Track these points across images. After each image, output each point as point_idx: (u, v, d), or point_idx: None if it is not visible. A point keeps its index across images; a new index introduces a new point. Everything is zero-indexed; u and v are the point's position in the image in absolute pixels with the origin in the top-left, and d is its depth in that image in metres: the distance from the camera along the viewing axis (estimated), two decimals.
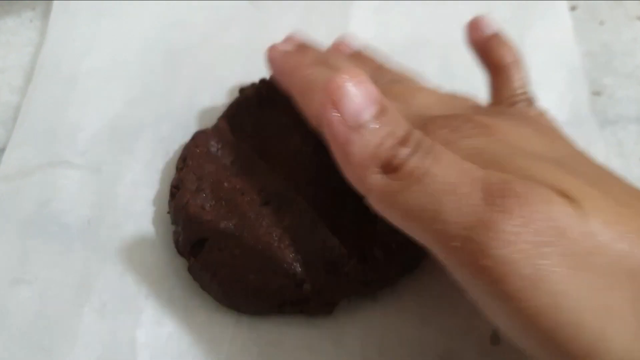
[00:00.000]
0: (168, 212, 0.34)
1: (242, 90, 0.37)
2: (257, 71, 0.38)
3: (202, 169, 0.34)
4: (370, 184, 0.22)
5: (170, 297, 0.32)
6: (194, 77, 0.41)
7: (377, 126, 0.22)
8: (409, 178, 0.21)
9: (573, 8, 0.45)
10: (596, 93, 0.41)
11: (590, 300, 0.19)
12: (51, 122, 0.38)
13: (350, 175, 0.23)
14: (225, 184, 0.33)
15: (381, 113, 0.22)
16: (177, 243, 0.33)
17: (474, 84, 0.40)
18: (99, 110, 0.39)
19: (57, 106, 0.39)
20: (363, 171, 0.22)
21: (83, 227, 0.34)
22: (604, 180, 0.24)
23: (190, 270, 0.32)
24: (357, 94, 0.22)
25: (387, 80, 0.34)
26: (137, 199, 0.36)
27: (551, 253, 0.19)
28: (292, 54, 0.34)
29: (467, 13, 0.44)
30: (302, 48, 0.36)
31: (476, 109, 0.30)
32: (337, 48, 0.38)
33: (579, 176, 0.22)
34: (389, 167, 0.22)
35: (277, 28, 0.43)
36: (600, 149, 0.38)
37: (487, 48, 0.34)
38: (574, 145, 0.28)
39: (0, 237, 0.34)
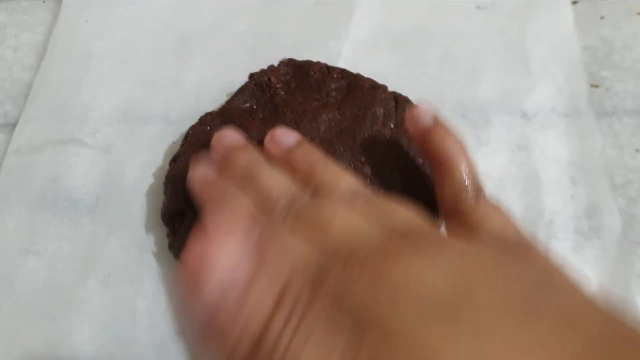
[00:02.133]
0: (163, 183, 0.35)
1: (252, 76, 0.38)
2: (265, 59, 0.39)
3: (199, 144, 0.35)
4: None
5: (171, 269, 0.34)
6: (203, 63, 0.42)
7: (245, 302, 0.21)
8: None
9: (574, 2, 0.45)
10: (594, 86, 0.42)
11: None
12: (62, 101, 0.40)
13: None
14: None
15: (255, 279, 0.21)
16: (162, 213, 0.34)
17: (474, 73, 0.42)
18: (109, 92, 0.40)
19: (68, 86, 0.40)
20: (231, 354, 0.21)
21: (92, 203, 0.36)
22: (491, 321, 0.21)
23: (170, 248, 0.33)
24: (221, 271, 0.21)
25: (306, 201, 0.28)
26: (144, 179, 0.37)
27: None
28: (209, 184, 0.31)
29: (471, 4, 0.45)
30: (225, 160, 0.32)
31: (388, 237, 0.25)
32: (269, 147, 0.33)
33: (457, 330, 0.20)
34: (261, 346, 0.21)
35: (286, 16, 0.45)
36: (597, 141, 0.39)
37: (428, 141, 0.32)
38: (483, 273, 0.24)
39: (10, 209, 0.36)
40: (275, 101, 0.37)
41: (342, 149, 0.34)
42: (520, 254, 0.26)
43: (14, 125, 0.39)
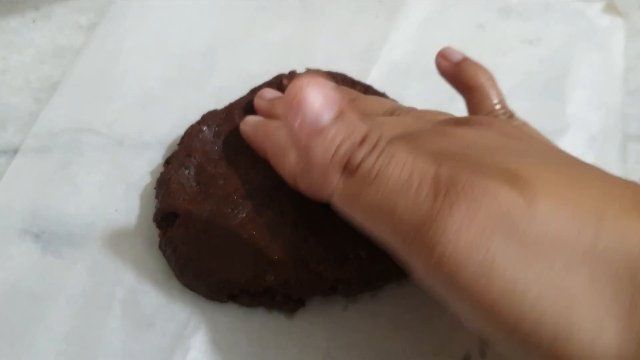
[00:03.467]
0: (154, 188, 0.35)
1: (278, 77, 0.38)
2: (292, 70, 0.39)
3: (195, 147, 0.35)
4: (332, 186, 0.23)
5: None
6: (230, 69, 0.42)
7: (336, 129, 0.23)
8: (366, 178, 0.22)
9: None
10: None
11: (546, 285, 0.19)
12: (86, 92, 0.41)
13: (315, 179, 0.24)
14: (209, 168, 0.34)
15: (340, 116, 0.23)
16: (154, 215, 0.34)
17: None
18: (133, 87, 0.41)
19: (95, 78, 0.41)
20: (324, 173, 0.23)
21: (94, 193, 0.36)
22: (564, 163, 0.24)
23: (160, 246, 0.33)
24: (316, 98, 0.22)
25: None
26: (149, 174, 0.37)
27: (499, 240, 0.19)
28: (261, 123, 0.34)
29: (516, 38, 0.43)
30: (271, 110, 0.36)
31: (444, 121, 0.30)
32: None
33: (535, 160, 0.22)
34: (348, 169, 0.23)
35: (321, 31, 0.45)
36: None
37: (459, 72, 0.34)
38: (544, 143, 0.28)
39: (18, 188, 0.37)
40: None
41: None
42: None
43: (4, 152, 0.38)
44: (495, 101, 0.32)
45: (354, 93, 0.36)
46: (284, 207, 0.33)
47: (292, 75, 0.38)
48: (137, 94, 0.41)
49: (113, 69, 0.42)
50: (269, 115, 0.35)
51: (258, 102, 0.37)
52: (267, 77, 0.39)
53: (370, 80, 0.42)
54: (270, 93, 0.37)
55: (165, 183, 0.34)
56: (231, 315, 0.31)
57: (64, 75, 0.41)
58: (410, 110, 0.33)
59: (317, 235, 0.31)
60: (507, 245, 0.19)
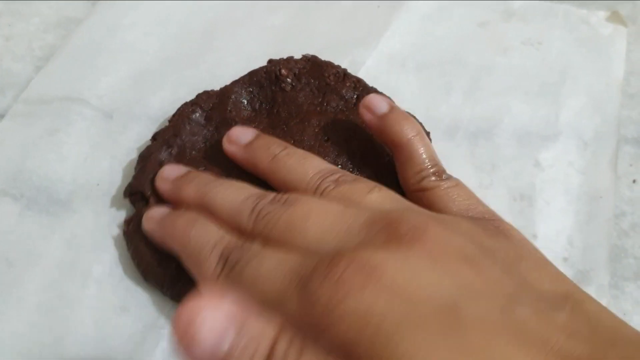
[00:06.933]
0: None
1: (270, 61, 0.38)
2: (289, 54, 0.38)
3: (184, 127, 0.35)
4: None
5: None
6: (228, 50, 0.42)
7: (240, 349, 0.21)
8: None
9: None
10: None
11: None
12: (82, 63, 0.41)
13: None
14: (193, 152, 0.34)
15: (243, 330, 0.21)
16: (125, 187, 0.34)
17: (498, 112, 0.39)
18: (128, 61, 0.41)
19: (91, 50, 0.42)
20: None
21: (79, 162, 0.36)
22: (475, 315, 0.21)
23: (125, 222, 0.33)
24: (212, 326, 0.20)
25: (272, 204, 0.28)
26: (135, 150, 0.37)
27: None
28: (166, 218, 0.31)
29: (517, 39, 0.43)
30: (178, 194, 0.32)
31: (370, 226, 0.25)
32: (228, 149, 0.33)
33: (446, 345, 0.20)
34: None
35: (322, 17, 0.44)
36: (608, 206, 0.36)
37: (385, 126, 0.32)
38: (477, 245, 0.24)
39: (2, 150, 0.37)
40: (275, 97, 0.36)
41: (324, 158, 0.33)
42: (492, 227, 0.27)
43: (1, 116, 0.39)
44: (424, 158, 0.31)
45: (273, 146, 0.32)
46: None
47: (289, 61, 0.37)
48: (131, 69, 0.41)
49: (110, 43, 0.42)
50: (175, 200, 0.32)
51: (160, 184, 0.32)
52: (264, 58, 0.38)
53: (366, 68, 0.41)
54: (175, 170, 0.33)
55: (144, 159, 0.34)
56: None
57: (61, 44, 0.41)
58: (336, 183, 0.29)
59: None
60: None
